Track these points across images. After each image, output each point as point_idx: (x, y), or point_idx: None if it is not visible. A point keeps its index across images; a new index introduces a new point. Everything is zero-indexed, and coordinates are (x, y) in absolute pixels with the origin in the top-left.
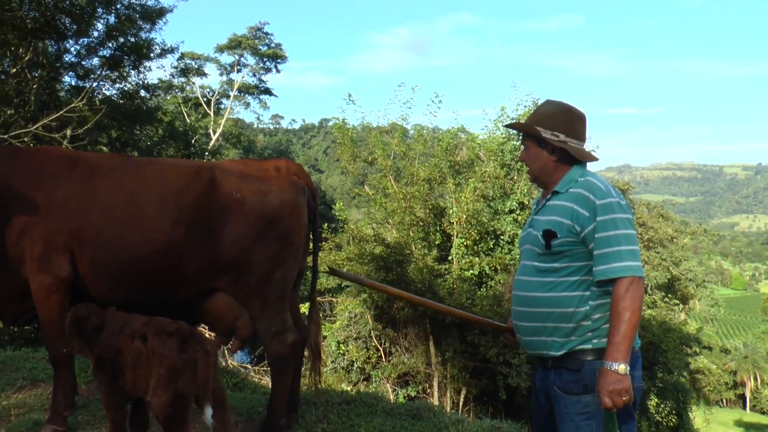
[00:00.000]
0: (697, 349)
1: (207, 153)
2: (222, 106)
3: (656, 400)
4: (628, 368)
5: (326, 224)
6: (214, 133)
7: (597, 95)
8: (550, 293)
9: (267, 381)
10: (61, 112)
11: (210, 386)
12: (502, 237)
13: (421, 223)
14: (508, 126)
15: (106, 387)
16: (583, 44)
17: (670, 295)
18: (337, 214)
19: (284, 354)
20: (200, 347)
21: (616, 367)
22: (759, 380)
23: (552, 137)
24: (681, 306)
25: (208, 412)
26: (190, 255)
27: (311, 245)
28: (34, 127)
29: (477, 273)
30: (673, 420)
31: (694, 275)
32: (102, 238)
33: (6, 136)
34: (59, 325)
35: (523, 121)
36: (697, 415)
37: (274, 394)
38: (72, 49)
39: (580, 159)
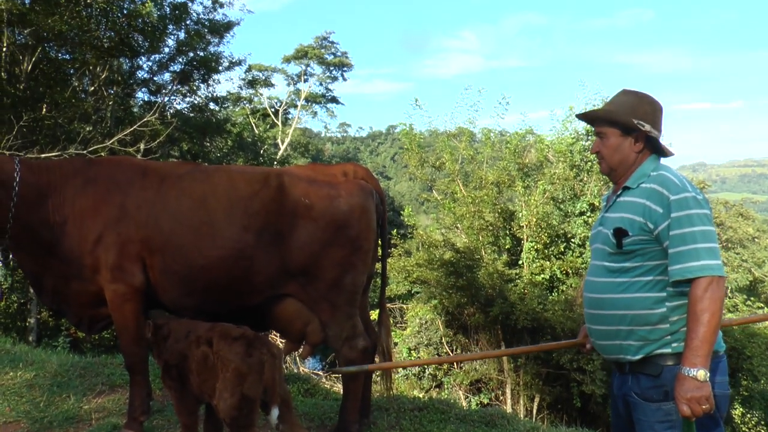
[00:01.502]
0: None
1: (275, 163)
2: (289, 116)
3: (741, 409)
4: (708, 374)
5: (395, 230)
6: (282, 143)
7: (669, 91)
8: (623, 294)
9: (339, 388)
10: (135, 127)
11: (276, 389)
12: (572, 240)
13: (491, 228)
14: (583, 115)
15: (176, 393)
16: (655, 39)
17: (752, 298)
18: (405, 220)
19: (355, 359)
20: (266, 350)
21: (695, 373)
22: None
23: (638, 124)
24: (766, 310)
25: (275, 413)
26: (260, 261)
27: (380, 250)
28: (110, 142)
29: (548, 277)
30: (763, 431)
31: None
32: (172, 245)
33: (85, 152)
34: (135, 332)
35: (601, 111)
36: None
37: (345, 399)
38: (144, 65)
39: (663, 152)
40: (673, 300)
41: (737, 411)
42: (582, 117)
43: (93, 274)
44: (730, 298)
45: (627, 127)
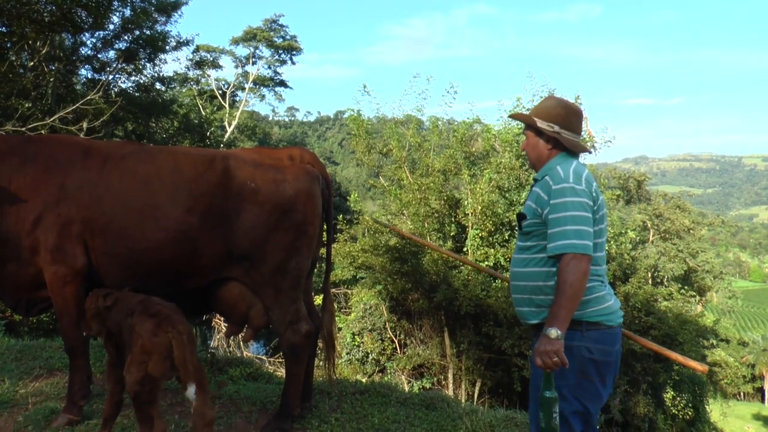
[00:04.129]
0: (714, 342)
1: (222, 145)
2: (237, 99)
3: (672, 392)
4: (559, 333)
5: (341, 216)
6: (229, 125)
7: (615, 85)
8: (525, 268)
9: (282, 372)
10: (78, 105)
11: (189, 366)
12: (517, 228)
13: (436, 215)
14: (511, 116)
15: (110, 358)
16: (601, 34)
17: (686, 287)
18: (352, 205)
19: (298, 343)
20: (174, 329)
21: (547, 332)
22: None
23: (547, 127)
24: (698, 298)
25: (191, 390)
26: (204, 244)
27: (325, 235)
28: (51, 119)
29: (492, 264)
30: (690, 413)
31: (712, 267)
32: (115, 227)
33: (23, 129)
34: (75, 315)
35: (526, 113)
36: (714, 409)
37: (287, 383)
38: (88, 42)
39: (572, 149)
40: None
41: (668, 394)
42: (513, 117)
43: (32, 256)
44: (665, 286)
45: (537, 129)
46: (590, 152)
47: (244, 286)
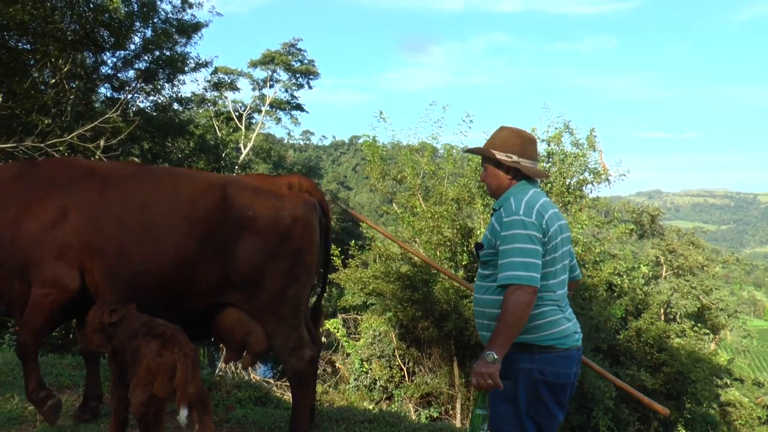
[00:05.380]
0: (728, 381)
1: (237, 167)
2: (253, 121)
3: (683, 431)
4: (496, 357)
5: (353, 241)
6: (245, 147)
7: (629, 118)
8: (484, 296)
9: (289, 396)
10: (96, 123)
11: (187, 389)
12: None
13: (449, 243)
14: (467, 151)
15: (114, 377)
16: (616, 66)
17: (699, 325)
18: (364, 231)
19: (303, 370)
20: (178, 350)
21: (486, 355)
22: None
23: (506, 158)
24: (711, 336)
25: (183, 413)
26: (202, 269)
27: (324, 262)
28: (70, 136)
29: None
30: None
31: (726, 305)
32: (113, 248)
33: (42, 145)
34: (41, 329)
35: (483, 146)
36: None
37: (295, 409)
38: (109, 61)
39: (532, 176)
40: None
41: None
42: (468, 152)
43: (26, 274)
44: (678, 323)
45: (496, 161)
46: (548, 176)
47: (243, 312)
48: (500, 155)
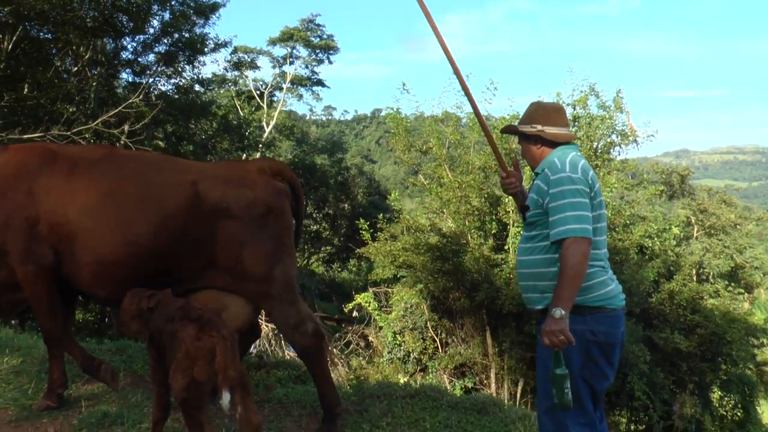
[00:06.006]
0: (765, 340)
1: (261, 145)
2: (275, 99)
3: (719, 392)
4: (564, 313)
5: (381, 215)
6: (267, 125)
7: (656, 78)
8: (530, 257)
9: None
10: (119, 109)
11: (228, 372)
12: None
13: (477, 213)
14: (502, 131)
15: (153, 362)
16: (641, 26)
17: (733, 284)
18: (392, 204)
19: (308, 345)
20: (217, 333)
21: (552, 312)
22: None
23: (530, 129)
24: (745, 295)
25: (226, 397)
26: (179, 261)
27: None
28: (94, 123)
29: None
30: (739, 414)
31: (761, 263)
32: (81, 235)
33: (69, 133)
34: (49, 309)
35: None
36: (765, 410)
37: (319, 386)
38: (129, 46)
39: (556, 141)
40: None
41: (716, 394)
42: (503, 132)
43: (2, 258)
44: (711, 283)
45: (523, 134)
46: (574, 139)
47: (217, 290)
48: (525, 128)
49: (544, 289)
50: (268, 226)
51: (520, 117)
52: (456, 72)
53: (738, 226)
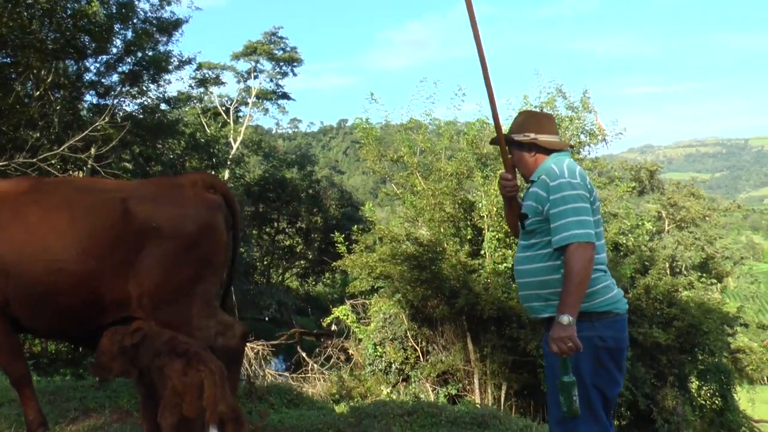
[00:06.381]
0: (738, 328)
1: (229, 162)
2: (241, 114)
3: (697, 382)
4: (572, 319)
5: (355, 226)
6: (235, 141)
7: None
8: (530, 265)
9: (311, 390)
10: (86, 132)
11: (217, 407)
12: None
13: (452, 219)
14: (491, 143)
15: (143, 399)
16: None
17: (705, 275)
18: (367, 215)
19: (237, 345)
20: (205, 367)
21: (560, 319)
22: None
23: (523, 138)
24: (718, 285)
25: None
26: (106, 286)
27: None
28: (61, 149)
29: (510, 266)
30: (717, 402)
31: (731, 253)
32: (12, 270)
33: (34, 160)
34: (9, 348)
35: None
36: (742, 396)
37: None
38: (92, 67)
39: (551, 149)
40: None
41: (694, 384)
42: (492, 143)
43: None
44: (685, 275)
45: (517, 143)
46: (567, 147)
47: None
48: (518, 137)
49: (549, 297)
50: (198, 244)
51: (510, 126)
52: (486, 76)
53: (707, 218)
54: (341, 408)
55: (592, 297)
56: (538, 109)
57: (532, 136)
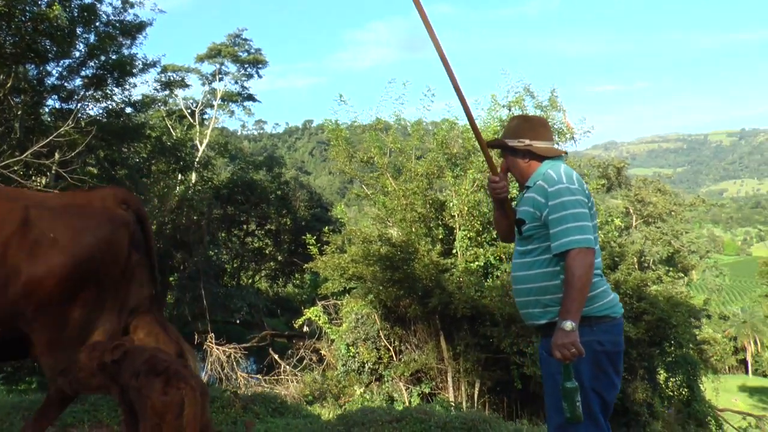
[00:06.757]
0: (703, 320)
1: (197, 164)
2: (206, 117)
3: (665, 374)
4: (574, 325)
5: (326, 228)
6: (201, 144)
7: (581, 74)
8: (528, 271)
9: (284, 392)
10: (50, 138)
11: (196, 426)
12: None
13: (423, 219)
14: (489, 145)
15: (126, 417)
16: (563, 26)
17: (672, 269)
18: (338, 216)
19: (66, 392)
20: (185, 385)
21: (562, 325)
22: (759, 344)
23: (518, 144)
24: (685, 278)
25: None
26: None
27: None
28: (24, 155)
29: (482, 264)
30: (684, 392)
31: (697, 247)
32: None
33: None
34: None
35: (497, 137)
36: (707, 386)
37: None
38: (54, 71)
39: (546, 155)
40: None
41: (662, 376)
42: (491, 146)
43: None
44: (653, 270)
45: (511, 149)
46: (561, 153)
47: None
48: (512, 142)
49: (548, 303)
50: (91, 260)
51: (503, 129)
52: (452, 80)
53: (673, 213)
54: (328, 415)
55: (592, 302)
56: (505, 109)
57: (527, 142)
